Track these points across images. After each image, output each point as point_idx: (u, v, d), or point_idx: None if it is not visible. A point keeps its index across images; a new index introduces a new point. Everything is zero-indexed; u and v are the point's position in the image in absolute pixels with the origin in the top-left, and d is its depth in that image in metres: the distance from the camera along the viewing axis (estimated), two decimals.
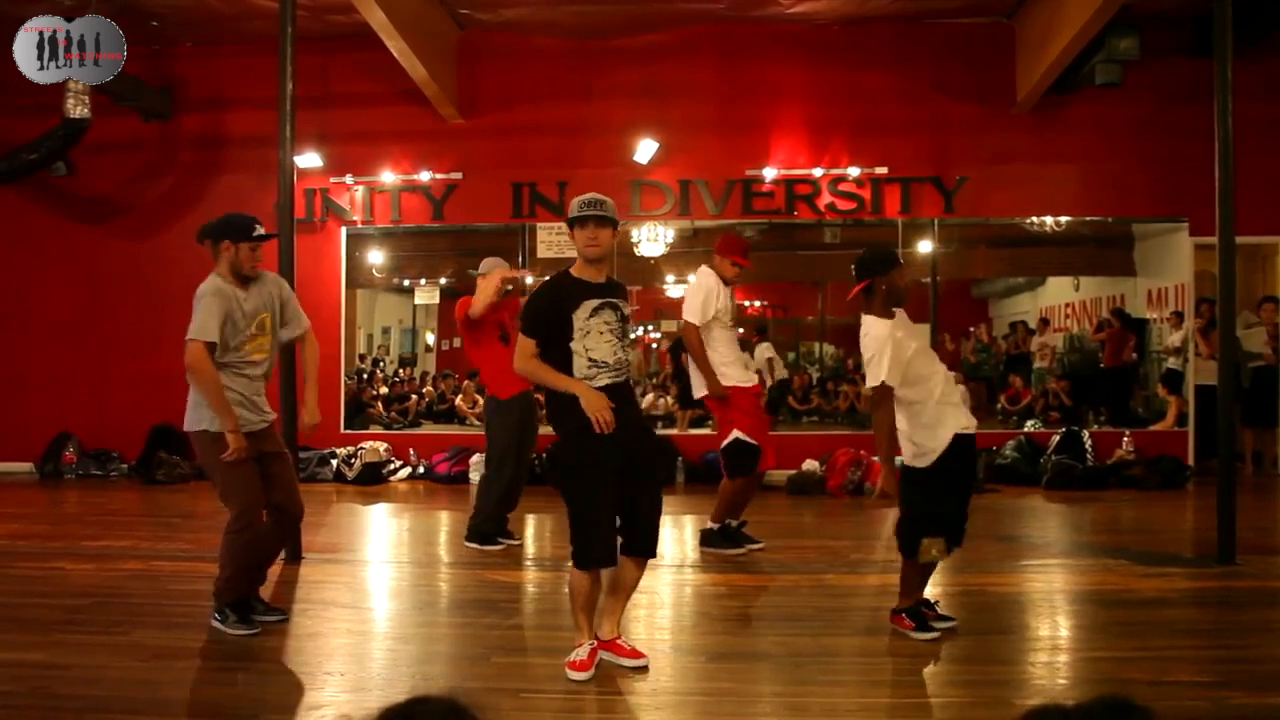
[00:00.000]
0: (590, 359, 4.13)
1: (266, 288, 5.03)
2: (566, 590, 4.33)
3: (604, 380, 4.13)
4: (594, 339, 4.14)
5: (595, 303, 4.16)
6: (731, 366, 6.51)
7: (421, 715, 1.23)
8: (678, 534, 7.54)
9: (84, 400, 10.89)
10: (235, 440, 4.67)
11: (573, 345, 4.12)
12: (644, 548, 4.25)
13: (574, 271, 4.25)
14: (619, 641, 4.31)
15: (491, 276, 6.63)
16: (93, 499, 9.49)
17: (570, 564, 4.19)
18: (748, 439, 6.38)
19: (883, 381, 4.46)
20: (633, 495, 4.16)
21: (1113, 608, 4.98)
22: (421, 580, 6.25)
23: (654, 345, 15.28)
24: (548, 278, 4.37)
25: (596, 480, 4.10)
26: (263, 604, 5.06)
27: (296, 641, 4.78)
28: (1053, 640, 4.82)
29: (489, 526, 6.82)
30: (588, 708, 3.87)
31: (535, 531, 7.78)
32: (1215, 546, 6.21)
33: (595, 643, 4.24)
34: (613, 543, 4.15)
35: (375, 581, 6.27)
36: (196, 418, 4.78)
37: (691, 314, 6.45)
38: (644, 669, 4.20)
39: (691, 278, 6.81)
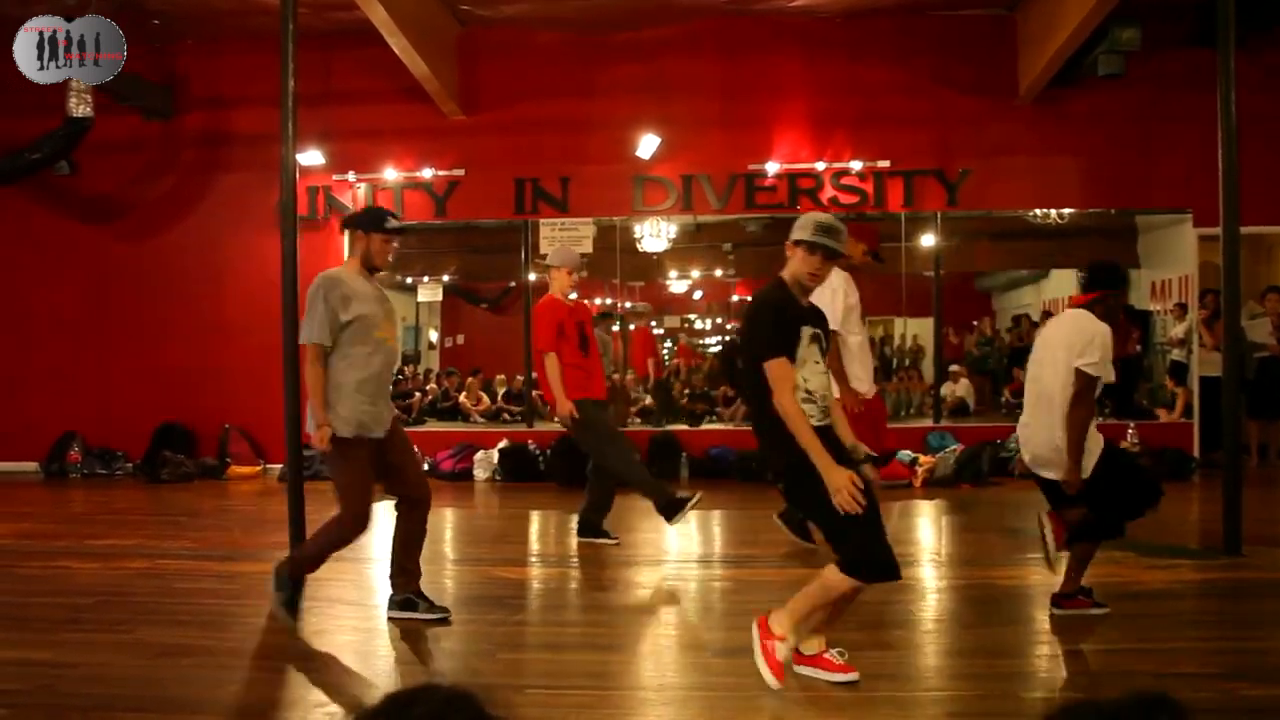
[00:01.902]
0: (807, 390, 3.80)
1: (379, 291, 4.95)
2: (817, 589, 3.83)
3: (815, 421, 3.77)
4: (810, 369, 3.83)
5: (811, 331, 3.85)
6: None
7: (425, 699, 1.22)
8: (684, 530, 7.54)
9: (88, 399, 10.90)
10: (321, 437, 4.60)
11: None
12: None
13: (790, 287, 3.90)
14: (827, 656, 3.98)
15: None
16: (97, 498, 9.51)
17: (837, 570, 3.74)
18: None
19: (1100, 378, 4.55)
20: None
21: (1119, 600, 4.97)
22: (427, 577, 6.18)
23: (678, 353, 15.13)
24: (767, 290, 3.95)
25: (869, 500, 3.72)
26: (426, 600, 5.02)
27: (302, 639, 4.78)
28: (1058, 633, 4.80)
29: (597, 519, 6.76)
30: (593, 704, 3.86)
31: (540, 528, 7.79)
32: (1221, 538, 6.19)
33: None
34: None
35: (381, 579, 6.24)
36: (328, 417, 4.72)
37: (835, 322, 6.22)
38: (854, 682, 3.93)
39: (832, 283, 6.11)
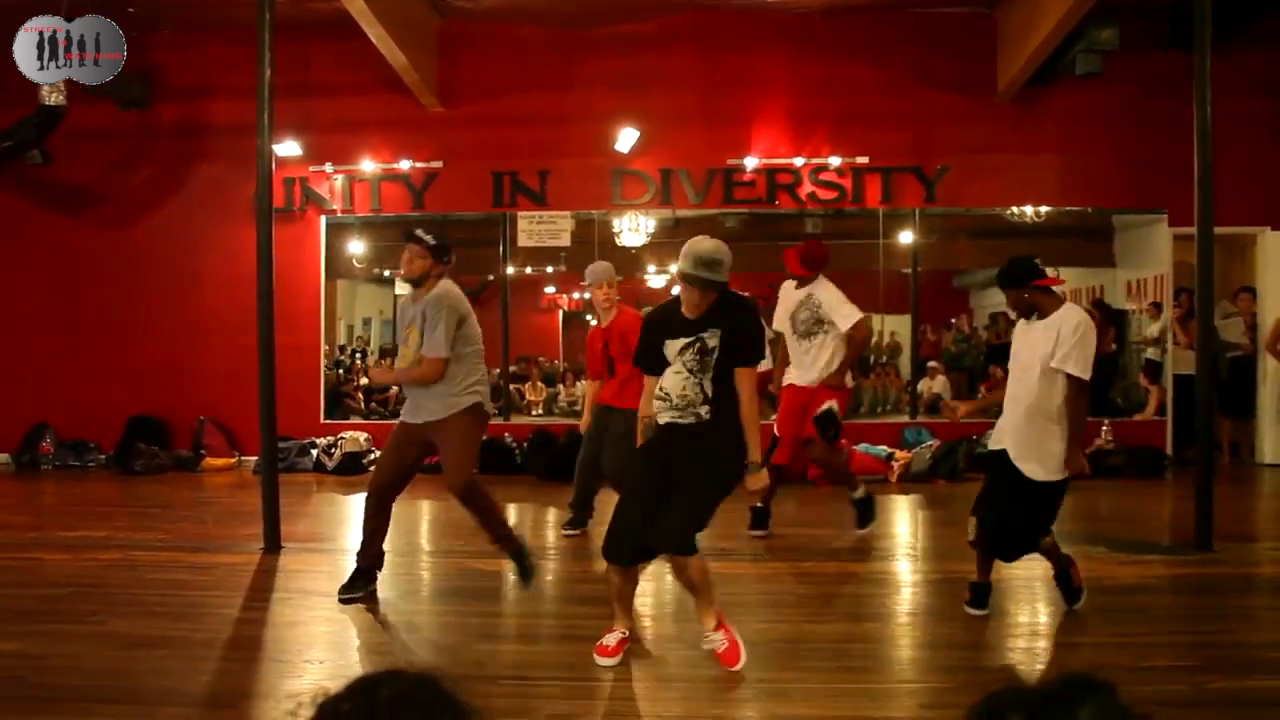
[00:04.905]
0: (660, 389, 4.20)
1: (421, 305, 5.12)
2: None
3: (666, 417, 4.16)
4: (668, 373, 4.19)
5: (683, 342, 4.16)
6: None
7: (392, 681, 1.23)
8: None
9: (61, 390, 10.77)
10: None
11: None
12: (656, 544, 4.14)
13: (682, 305, 4.24)
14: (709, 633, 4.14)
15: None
16: (70, 490, 9.42)
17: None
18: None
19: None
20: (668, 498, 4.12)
21: (1092, 594, 5.00)
22: (402, 569, 6.22)
23: None
24: (655, 309, 4.57)
25: (633, 481, 4.34)
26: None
27: (275, 630, 4.76)
28: (1032, 626, 4.84)
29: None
30: (568, 694, 3.87)
31: (516, 521, 7.76)
32: (1193, 534, 6.25)
33: (625, 634, 4.20)
34: (627, 543, 4.09)
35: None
36: None
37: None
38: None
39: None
